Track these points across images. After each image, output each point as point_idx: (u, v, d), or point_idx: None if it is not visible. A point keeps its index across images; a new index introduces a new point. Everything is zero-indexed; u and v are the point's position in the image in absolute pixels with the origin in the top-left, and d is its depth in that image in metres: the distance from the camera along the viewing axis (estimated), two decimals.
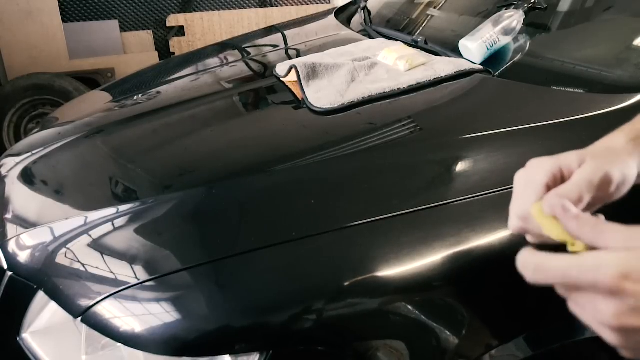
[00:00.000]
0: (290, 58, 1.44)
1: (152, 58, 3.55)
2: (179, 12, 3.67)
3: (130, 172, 1.07)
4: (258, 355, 0.69)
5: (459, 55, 1.19)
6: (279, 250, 0.76)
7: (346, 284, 0.74)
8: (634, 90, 0.89)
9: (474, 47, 1.14)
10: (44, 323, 0.83)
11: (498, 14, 1.17)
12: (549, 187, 0.50)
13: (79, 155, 1.17)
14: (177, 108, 1.29)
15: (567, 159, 0.52)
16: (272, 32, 1.92)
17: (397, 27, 1.56)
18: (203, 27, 3.67)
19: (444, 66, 1.14)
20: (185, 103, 1.30)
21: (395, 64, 1.21)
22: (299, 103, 1.15)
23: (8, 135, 2.99)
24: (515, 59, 1.13)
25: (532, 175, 0.52)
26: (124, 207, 0.92)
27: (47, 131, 1.35)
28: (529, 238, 0.53)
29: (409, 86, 1.10)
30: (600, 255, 0.42)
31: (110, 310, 0.74)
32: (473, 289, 0.76)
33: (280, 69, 1.29)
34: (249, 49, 1.75)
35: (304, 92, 1.15)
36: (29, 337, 0.84)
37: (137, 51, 3.60)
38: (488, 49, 1.14)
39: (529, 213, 0.50)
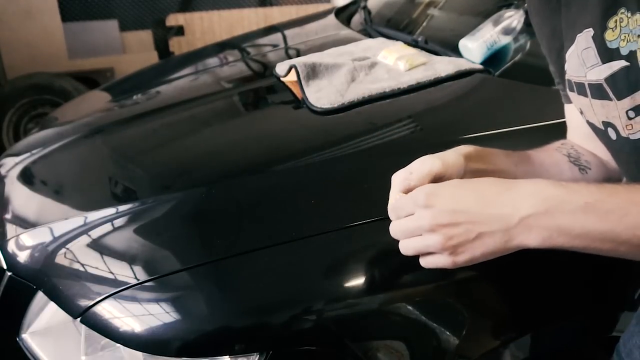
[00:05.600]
0: (290, 57, 1.44)
1: (151, 58, 3.54)
2: (178, 12, 3.67)
3: (129, 172, 1.07)
4: (258, 356, 0.69)
5: (459, 55, 1.19)
6: (279, 250, 0.76)
7: (346, 284, 0.74)
8: None
9: (474, 47, 1.14)
10: (43, 323, 0.83)
11: (498, 13, 1.17)
12: None
13: (78, 155, 1.17)
14: (177, 108, 1.28)
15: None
16: (272, 31, 1.92)
17: (398, 26, 1.56)
18: (202, 27, 3.66)
19: (444, 66, 1.14)
20: (185, 103, 1.30)
21: (395, 64, 1.20)
22: (299, 103, 1.15)
23: (7, 135, 2.98)
24: (516, 58, 1.13)
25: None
26: (123, 207, 0.92)
27: (47, 131, 1.35)
28: None
29: (409, 86, 1.10)
30: None
31: (110, 311, 0.74)
32: (473, 289, 0.76)
33: (280, 68, 1.29)
34: (248, 49, 1.75)
35: (303, 92, 1.15)
36: (29, 337, 0.83)
37: (136, 51, 3.59)
38: (488, 49, 1.14)
39: None
